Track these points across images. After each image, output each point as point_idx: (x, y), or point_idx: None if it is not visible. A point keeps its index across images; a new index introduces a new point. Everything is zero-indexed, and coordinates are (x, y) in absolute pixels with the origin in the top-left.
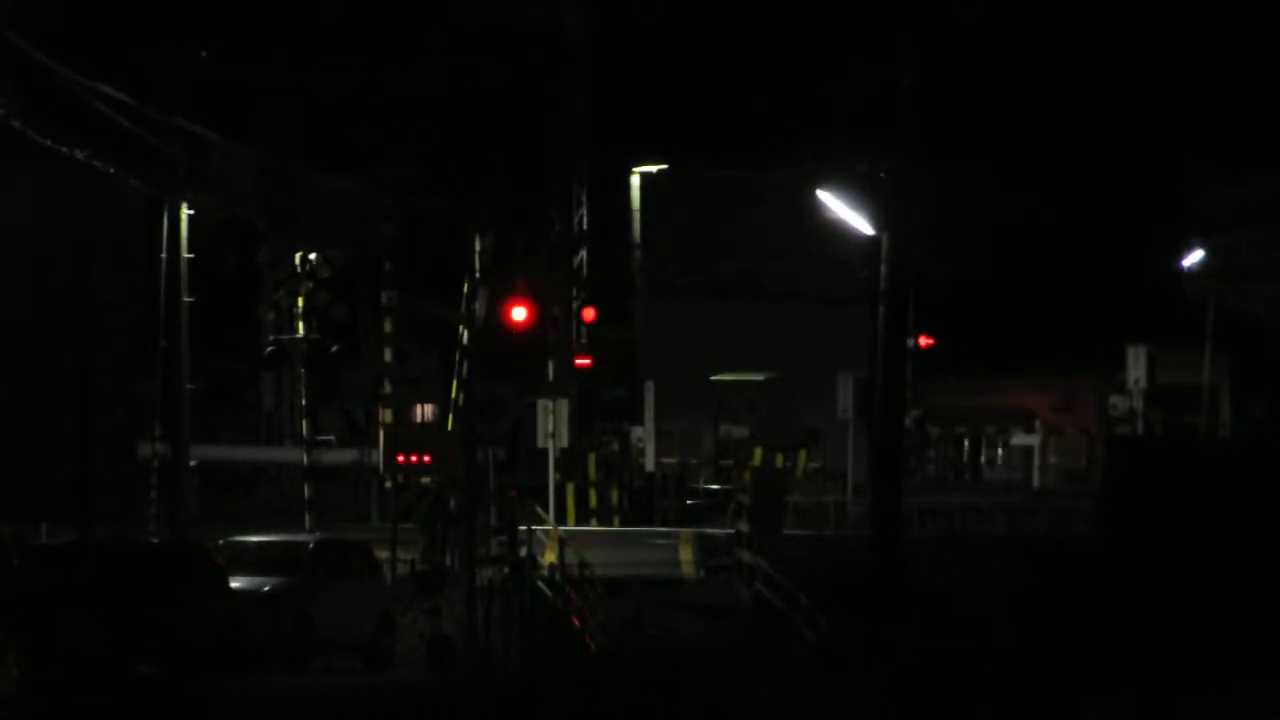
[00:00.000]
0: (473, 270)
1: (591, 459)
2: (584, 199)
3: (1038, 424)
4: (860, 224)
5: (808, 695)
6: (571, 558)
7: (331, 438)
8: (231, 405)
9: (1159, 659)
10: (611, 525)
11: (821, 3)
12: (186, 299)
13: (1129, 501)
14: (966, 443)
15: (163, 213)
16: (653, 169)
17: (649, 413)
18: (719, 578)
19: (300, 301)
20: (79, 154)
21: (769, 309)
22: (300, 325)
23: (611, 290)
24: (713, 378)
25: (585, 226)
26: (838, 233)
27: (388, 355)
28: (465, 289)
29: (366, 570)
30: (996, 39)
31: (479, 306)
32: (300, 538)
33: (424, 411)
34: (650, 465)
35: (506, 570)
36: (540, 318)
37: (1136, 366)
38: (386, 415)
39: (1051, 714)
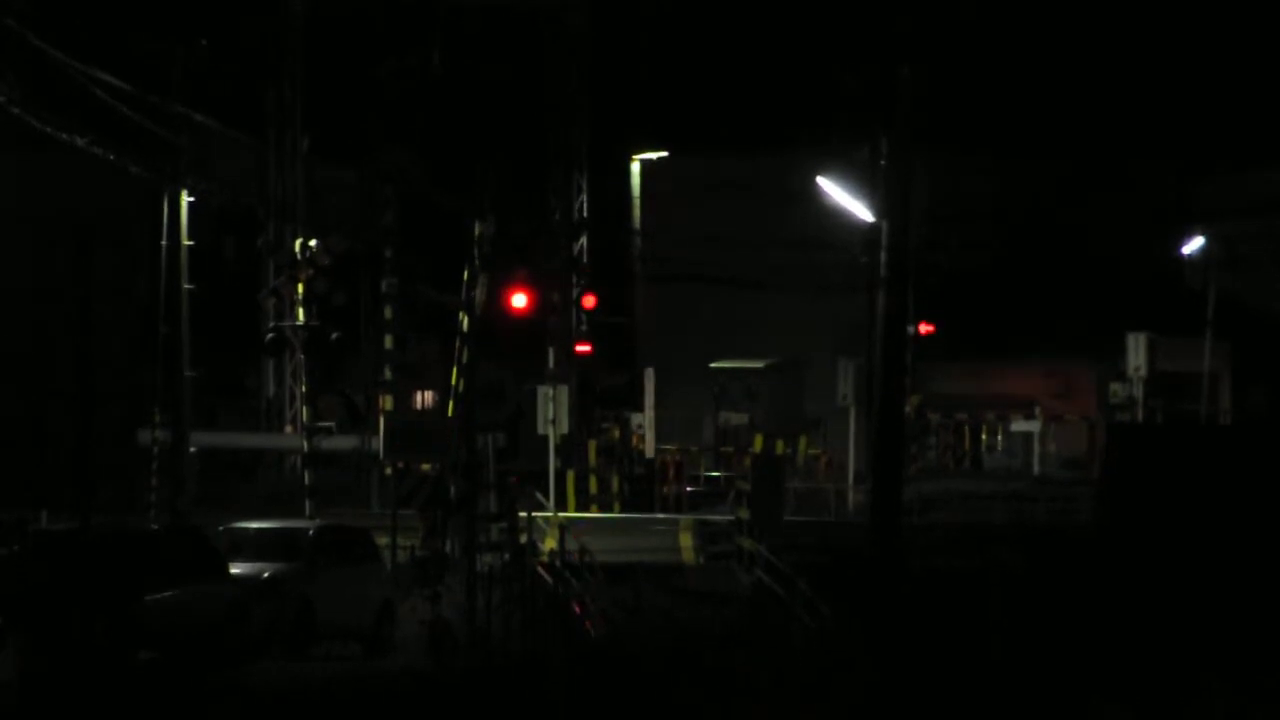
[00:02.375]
0: (472, 257)
1: (591, 446)
2: (584, 186)
3: (1038, 411)
4: (860, 210)
5: (807, 682)
6: (572, 544)
7: (331, 424)
8: (232, 392)
9: (1159, 647)
10: (612, 512)
11: None
12: (187, 286)
13: (1129, 489)
14: (966, 429)
15: (163, 200)
16: (653, 156)
17: (649, 399)
18: (719, 564)
19: (300, 288)
20: (79, 141)
21: (769, 295)
22: (300, 312)
23: (611, 277)
24: (711, 365)
25: (585, 214)
26: (838, 219)
27: (388, 342)
28: (465, 276)
29: (367, 557)
30: (998, 25)
31: (479, 293)
32: (300, 524)
33: (424, 398)
34: (650, 452)
35: (507, 557)
36: (540, 305)
37: (1137, 354)
38: (387, 402)
39: (1051, 701)
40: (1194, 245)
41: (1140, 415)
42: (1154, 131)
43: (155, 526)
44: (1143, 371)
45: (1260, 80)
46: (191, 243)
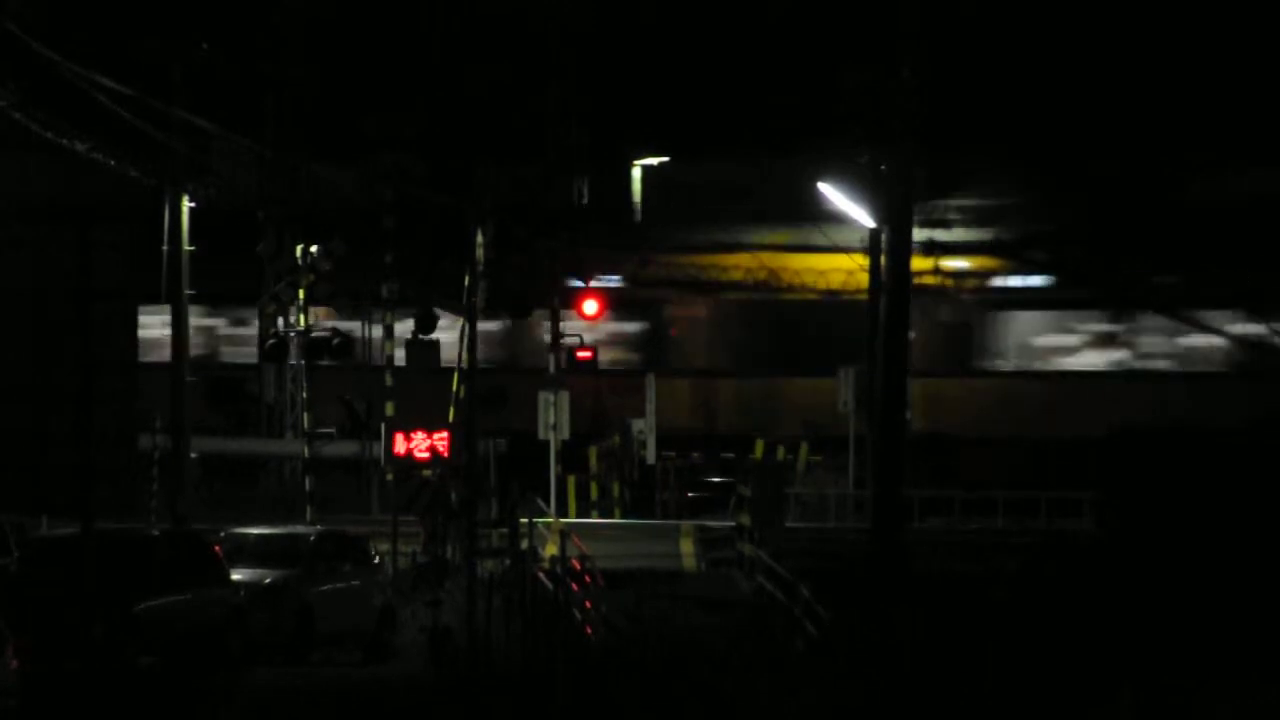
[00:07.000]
0: (474, 262)
1: (592, 452)
2: (585, 191)
3: None
4: (861, 216)
5: (808, 688)
6: (572, 550)
7: (332, 430)
8: (233, 397)
9: (1161, 650)
10: (612, 518)
11: None
12: (188, 291)
13: (1130, 493)
14: None
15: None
16: (654, 161)
17: (650, 405)
18: (720, 570)
19: (301, 293)
20: (79, 146)
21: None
22: (301, 317)
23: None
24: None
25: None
26: (839, 225)
27: (389, 348)
28: (466, 280)
29: (367, 563)
30: (998, 28)
31: (480, 299)
32: (301, 530)
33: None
34: (651, 458)
35: (508, 563)
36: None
37: None
38: (388, 408)
39: (1053, 705)
40: None
41: None
42: (1153, 130)
43: (156, 531)
44: None
45: (1261, 79)
46: (193, 248)
